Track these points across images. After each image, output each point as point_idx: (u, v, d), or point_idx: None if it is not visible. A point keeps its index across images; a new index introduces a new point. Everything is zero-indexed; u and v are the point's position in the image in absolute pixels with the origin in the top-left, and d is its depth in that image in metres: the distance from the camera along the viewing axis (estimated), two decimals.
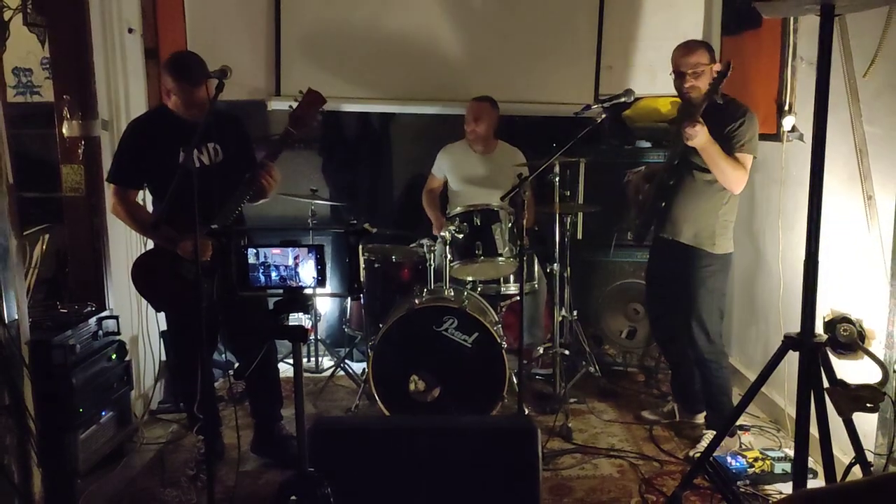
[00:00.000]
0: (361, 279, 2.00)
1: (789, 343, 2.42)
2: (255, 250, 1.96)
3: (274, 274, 1.96)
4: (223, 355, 3.91)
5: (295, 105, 2.99)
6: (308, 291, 2.00)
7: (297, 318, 3.77)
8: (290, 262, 1.96)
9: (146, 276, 3.08)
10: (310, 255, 1.94)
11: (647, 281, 3.71)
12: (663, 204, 3.33)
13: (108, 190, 3.12)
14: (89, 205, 3.34)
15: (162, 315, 3.72)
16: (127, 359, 3.37)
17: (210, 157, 3.10)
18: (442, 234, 3.69)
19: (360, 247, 2.04)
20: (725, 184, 3.15)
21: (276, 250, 1.96)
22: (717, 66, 3.14)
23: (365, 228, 1.96)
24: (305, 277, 1.97)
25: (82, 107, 3.31)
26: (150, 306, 3.63)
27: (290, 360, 4.35)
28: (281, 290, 1.98)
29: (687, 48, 3.22)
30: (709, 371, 3.34)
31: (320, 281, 1.95)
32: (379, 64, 4.45)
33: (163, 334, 3.82)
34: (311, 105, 2.98)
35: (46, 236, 3.90)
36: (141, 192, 3.25)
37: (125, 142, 3.13)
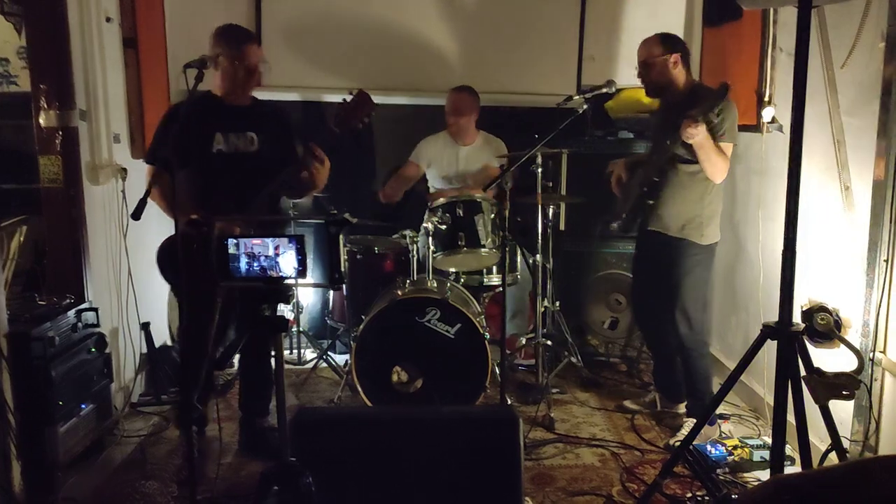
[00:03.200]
0: (342, 269, 1.99)
1: (767, 332, 2.44)
2: (235, 240, 1.95)
3: (255, 264, 1.95)
4: None
5: (346, 101, 2.94)
6: (289, 282, 1.99)
7: (280, 309, 3.76)
8: (271, 252, 1.95)
9: (171, 259, 3.02)
10: (290, 244, 1.94)
11: (633, 271, 3.75)
12: (651, 202, 3.34)
13: (146, 171, 3.11)
14: (68, 196, 3.30)
15: (143, 307, 3.72)
16: (107, 351, 3.34)
17: (246, 145, 3.11)
18: (424, 224, 3.69)
19: (341, 237, 2.04)
20: (710, 174, 3.16)
21: (256, 240, 1.95)
22: (674, 58, 3.23)
23: (345, 218, 1.96)
24: (286, 268, 1.96)
25: (60, 97, 3.26)
26: (130, 298, 3.64)
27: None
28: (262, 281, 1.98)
29: (643, 42, 3.36)
30: (690, 359, 3.38)
31: (301, 271, 1.95)
32: (361, 54, 4.43)
33: (143, 326, 3.81)
34: (359, 108, 2.93)
35: (24, 228, 3.86)
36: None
37: (162, 123, 3.15)
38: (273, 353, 3.39)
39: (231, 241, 1.94)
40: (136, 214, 2.54)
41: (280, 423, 2.08)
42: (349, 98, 2.94)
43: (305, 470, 2.00)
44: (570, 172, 4.28)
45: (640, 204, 3.38)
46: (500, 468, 2.47)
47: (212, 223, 1.93)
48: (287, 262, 1.95)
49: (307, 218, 4.27)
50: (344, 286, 3.87)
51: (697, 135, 3.01)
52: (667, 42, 3.29)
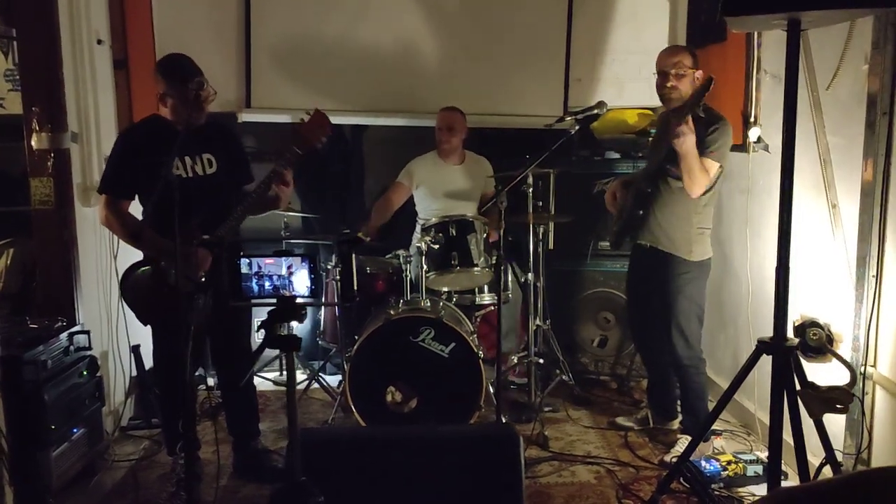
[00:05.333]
0: (355, 287, 2.01)
1: (763, 347, 2.49)
2: (248, 260, 1.96)
3: (267, 283, 1.96)
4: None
5: (300, 122, 2.93)
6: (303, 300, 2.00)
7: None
8: (284, 271, 1.96)
9: (136, 289, 2.99)
10: (303, 264, 1.95)
11: (628, 288, 3.77)
12: (641, 212, 3.38)
13: (100, 201, 3.03)
14: (59, 218, 3.28)
15: (133, 329, 3.68)
16: (98, 374, 3.31)
17: (203, 168, 3.06)
18: (417, 244, 3.71)
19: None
20: (687, 186, 3.16)
21: (269, 260, 1.96)
22: (700, 73, 3.22)
23: (359, 237, 1.98)
24: (299, 286, 1.97)
25: (51, 119, 3.26)
26: (120, 320, 3.60)
27: (265, 374, 4.36)
28: (274, 300, 1.98)
29: (671, 50, 3.38)
30: (687, 376, 3.40)
31: (314, 290, 1.96)
32: (350, 76, 4.46)
33: (133, 349, 3.76)
34: (317, 128, 2.93)
35: (11, 250, 3.82)
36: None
37: (116, 151, 3.07)
38: (283, 373, 3.37)
39: (244, 261, 1.94)
40: (137, 234, 2.53)
41: (291, 441, 2.07)
42: (306, 118, 2.94)
43: (316, 489, 1.99)
44: (558, 192, 4.33)
45: (632, 220, 3.42)
46: (501, 487, 2.47)
47: (223, 243, 1.93)
48: (300, 281, 1.96)
49: (317, 238, 4.26)
50: (336, 307, 3.87)
51: (687, 134, 3.01)
52: (695, 57, 3.29)
